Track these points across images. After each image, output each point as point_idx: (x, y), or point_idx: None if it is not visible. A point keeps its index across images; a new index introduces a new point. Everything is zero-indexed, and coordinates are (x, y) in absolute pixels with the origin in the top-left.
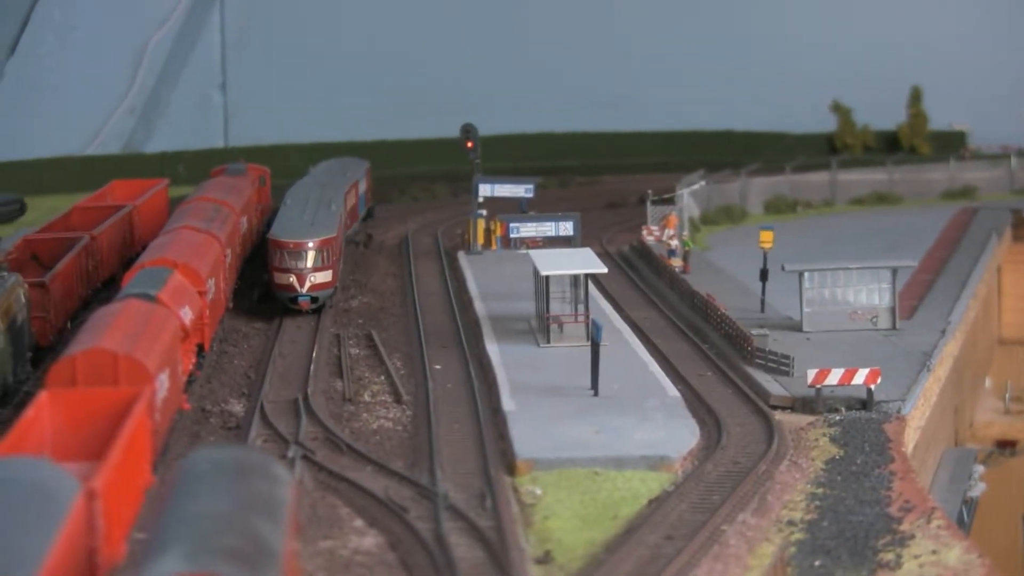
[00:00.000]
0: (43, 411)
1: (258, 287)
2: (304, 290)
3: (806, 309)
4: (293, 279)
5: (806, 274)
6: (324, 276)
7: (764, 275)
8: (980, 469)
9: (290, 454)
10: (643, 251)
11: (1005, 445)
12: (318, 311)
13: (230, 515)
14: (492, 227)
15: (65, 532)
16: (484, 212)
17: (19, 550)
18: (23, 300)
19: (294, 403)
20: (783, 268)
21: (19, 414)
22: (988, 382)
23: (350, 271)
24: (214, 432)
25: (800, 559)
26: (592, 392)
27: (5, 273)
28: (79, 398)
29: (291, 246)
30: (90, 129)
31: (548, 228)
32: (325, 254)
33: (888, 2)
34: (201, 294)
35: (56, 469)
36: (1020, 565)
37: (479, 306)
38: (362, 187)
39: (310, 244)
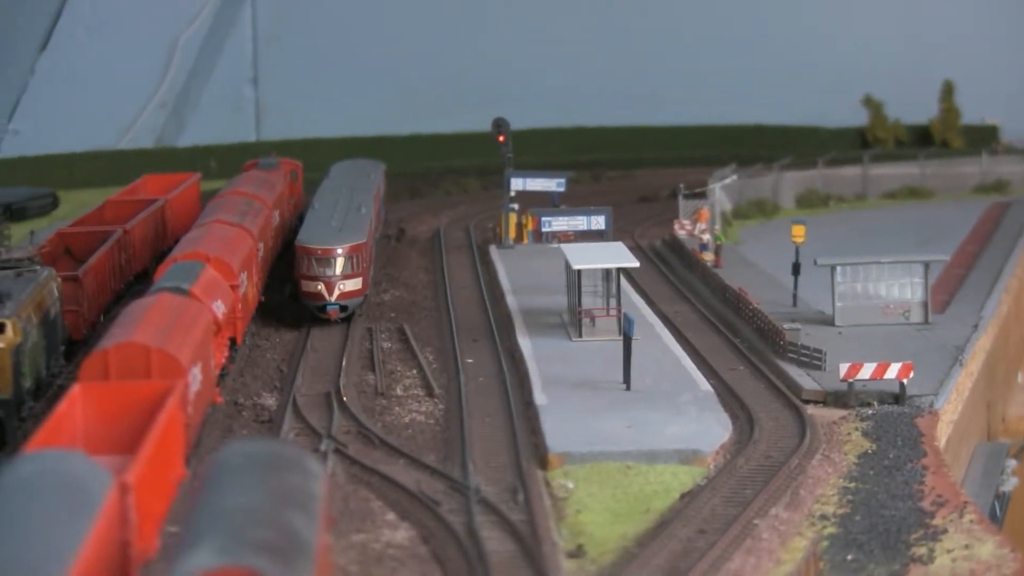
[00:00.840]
0: (76, 404)
1: (290, 282)
2: (333, 299)
3: (838, 303)
4: (321, 287)
5: (838, 268)
6: (354, 284)
7: (796, 269)
8: (1013, 463)
9: (323, 448)
10: (675, 245)
11: None
12: (347, 319)
13: (263, 509)
14: (524, 221)
15: (98, 525)
16: (516, 206)
17: (53, 543)
18: (56, 294)
19: (326, 397)
20: (815, 262)
21: (52, 407)
22: (1021, 376)
23: (382, 265)
24: (247, 426)
25: (832, 553)
26: (624, 386)
27: (38, 267)
28: (112, 391)
29: (319, 252)
30: (122, 123)
31: (580, 222)
32: (355, 261)
33: None
34: (233, 288)
35: (89, 462)
36: None
37: (511, 300)
38: (382, 190)
39: (339, 250)
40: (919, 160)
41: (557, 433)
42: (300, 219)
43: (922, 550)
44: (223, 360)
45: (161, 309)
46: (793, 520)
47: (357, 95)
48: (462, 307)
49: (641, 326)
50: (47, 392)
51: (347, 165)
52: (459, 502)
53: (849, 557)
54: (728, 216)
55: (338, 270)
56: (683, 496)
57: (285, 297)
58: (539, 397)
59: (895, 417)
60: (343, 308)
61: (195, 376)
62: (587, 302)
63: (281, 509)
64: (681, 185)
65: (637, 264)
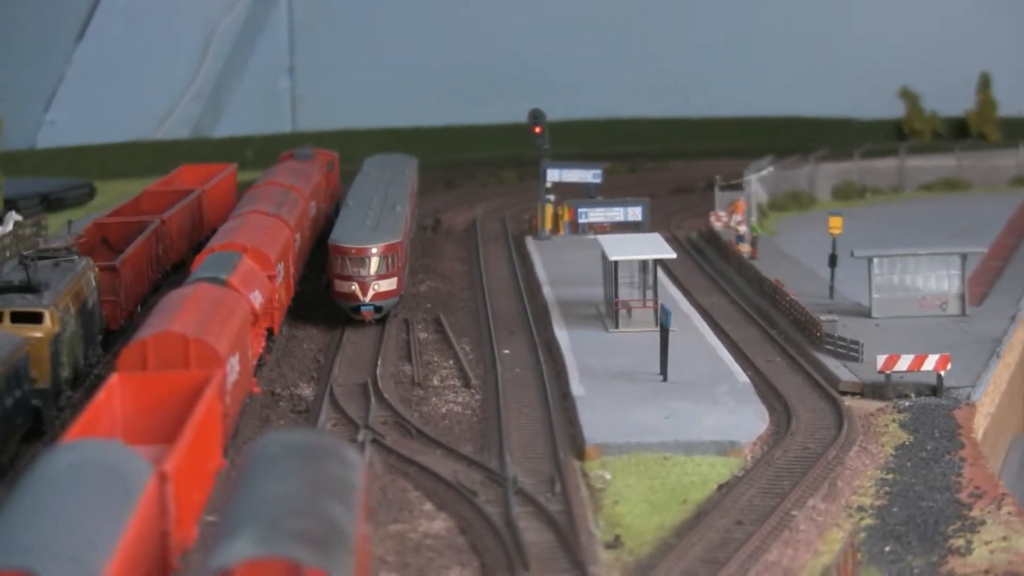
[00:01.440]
0: (114, 394)
1: (326, 273)
2: (367, 299)
3: (875, 295)
4: (355, 287)
5: (875, 260)
6: (388, 284)
7: (833, 261)
8: None
9: (360, 438)
10: (711, 237)
11: None
12: (382, 320)
13: (301, 499)
14: (560, 212)
15: (137, 515)
16: (552, 197)
17: (93, 533)
18: (94, 284)
19: (363, 387)
20: (852, 254)
21: (90, 397)
22: None
23: (419, 256)
24: (284, 416)
25: (870, 544)
26: (661, 377)
27: (76, 257)
28: (150, 381)
29: (353, 252)
30: (158, 114)
31: (617, 213)
32: (390, 260)
33: None
34: (270, 278)
35: (128, 452)
36: None
37: (547, 291)
38: (416, 186)
39: (374, 250)
40: (956, 152)
41: (594, 424)
42: (336, 210)
43: (960, 542)
44: (260, 350)
45: (199, 299)
46: (831, 511)
47: (393, 86)
48: (498, 298)
49: (678, 317)
50: (85, 382)
51: (380, 160)
52: (496, 493)
53: (887, 548)
54: (764, 208)
55: (373, 270)
56: (720, 487)
57: (322, 288)
58: (576, 388)
59: (932, 409)
60: (378, 309)
61: (233, 366)
62: (624, 293)
63: (319, 499)
64: (717, 177)
65: (674, 255)
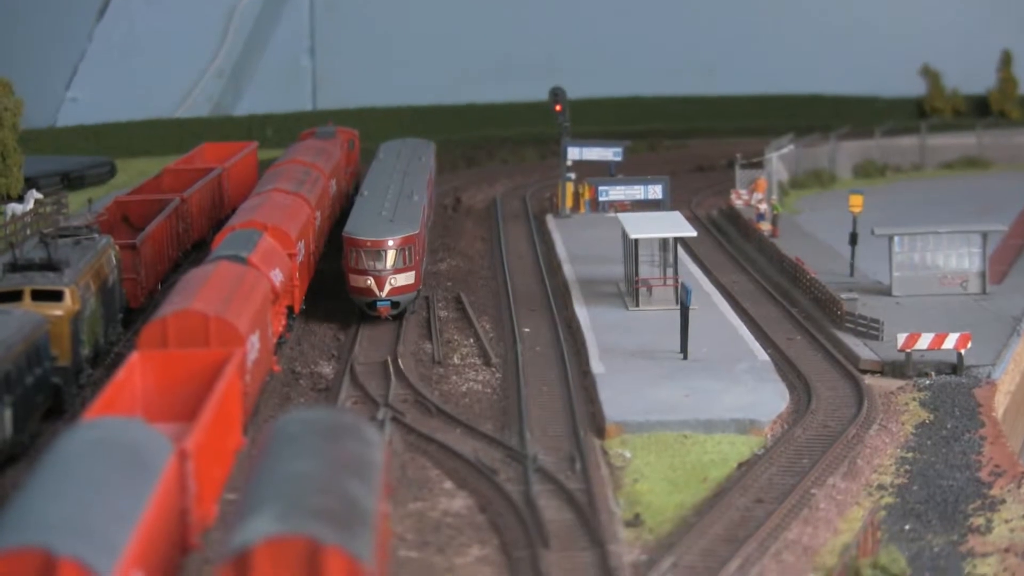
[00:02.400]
0: (135, 372)
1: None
2: (384, 294)
3: (896, 273)
4: (371, 282)
5: (896, 238)
6: (406, 278)
7: (853, 239)
8: None
9: (380, 416)
10: (732, 215)
11: None
12: (399, 317)
13: (322, 476)
14: (581, 190)
15: (158, 493)
16: (573, 175)
17: (114, 510)
18: (114, 262)
19: (383, 365)
20: (873, 232)
21: (111, 375)
22: None
23: (439, 235)
24: (304, 394)
25: (890, 523)
26: (681, 356)
27: (96, 235)
28: (170, 359)
29: (368, 245)
30: (179, 92)
31: (637, 191)
32: (407, 253)
33: None
34: (291, 256)
35: (149, 430)
36: None
37: (568, 269)
38: (434, 173)
39: (390, 243)
40: (977, 130)
41: (614, 402)
42: (356, 189)
43: (980, 520)
44: (281, 329)
45: (220, 277)
46: (851, 490)
47: (413, 64)
48: (519, 276)
49: (698, 296)
50: (105, 360)
51: (397, 145)
52: (516, 471)
53: (907, 527)
54: (785, 186)
55: (389, 264)
56: (740, 466)
57: (342, 267)
58: (596, 366)
59: (953, 387)
60: (394, 305)
61: (253, 344)
62: (644, 271)
63: (340, 477)
64: (738, 155)
65: (695, 233)
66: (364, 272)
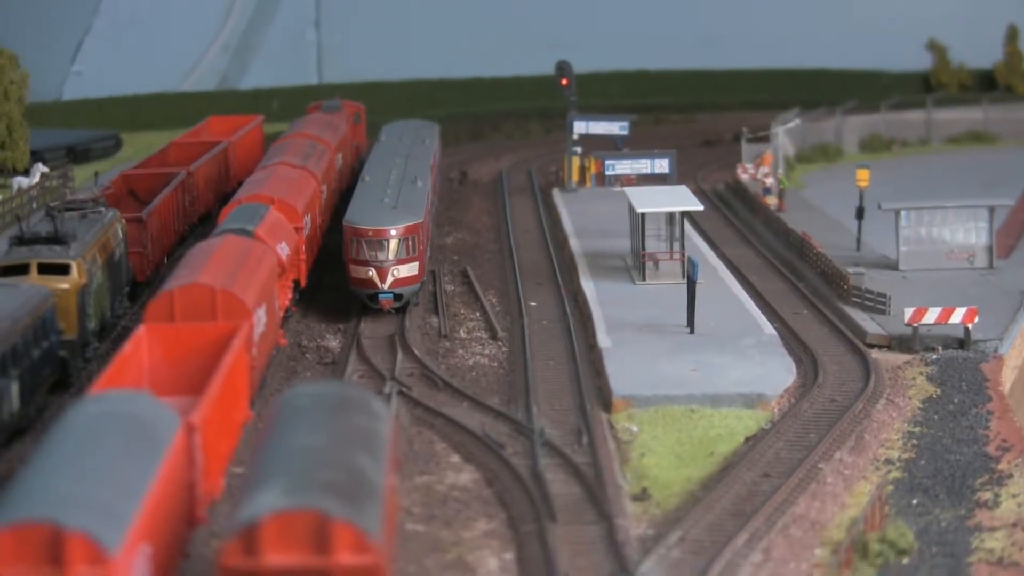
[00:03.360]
0: (141, 346)
1: None
2: (386, 287)
3: (902, 248)
4: (373, 273)
5: (903, 213)
6: (409, 269)
7: (860, 213)
8: None
9: (387, 390)
10: (738, 189)
11: None
12: (402, 309)
13: (329, 450)
14: (587, 164)
15: (165, 467)
16: (579, 149)
17: (122, 483)
18: (121, 235)
19: (390, 339)
20: (879, 206)
21: (117, 348)
22: None
23: (445, 208)
24: (310, 368)
25: (897, 497)
26: (688, 330)
27: (103, 208)
28: (177, 333)
29: (370, 234)
30: (185, 65)
31: (644, 166)
32: (411, 243)
33: None
34: (298, 230)
35: (156, 403)
36: None
37: (574, 243)
38: (438, 156)
39: (393, 232)
40: (983, 105)
41: (621, 376)
42: (361, 164)
43: (987, 495)
44: (287, 302)
45: (226, 251)
46: (858, 464)
47: (419, 38)
48: (525, 250)
49: (705, 270)
50: (112, 333)
51: (399, 127)
52: (523, 445)
53: (914, 502)
54: (791, 160)
55: (391, 254)
56: (747, 440)
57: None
58: (603, 340)
59: (960, 362)
60: (397, 297)
61: (260, 318)
62: (651, 246)
63: (347, 450)
64: (744, 129)
65: (701, 208)
66: (365, 263)
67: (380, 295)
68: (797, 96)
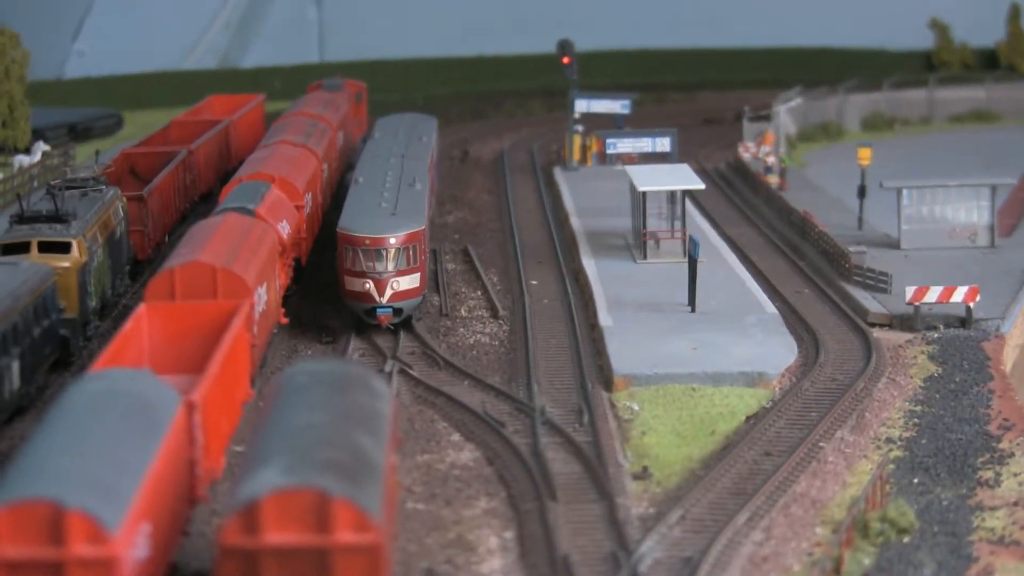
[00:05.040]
0: (142, 324)
1: None
2: (384, 300)
3: (904, 226)
4: (370, 286)
5: (905, 191)
6: (410, 281)
7: (862, 192)
8: None
9: (387, 368)
10: (740, 168)
11: None
12: (402, 324)
13: (330, 429)
14: (588, 143)
15: (166, 445)
16: (581, 128)
17: (122, 461)
18: (122, 214)
19: None
20: (881, 185)
21: (118, 327)
22: None
23: (447, 186)
24: (311, 346)
25: (899, 476)
26: (689, 308)
27: (104, 187)
28: (178, 311)
29: (367, 243)
30: (186, 44)
31: (645, 144)
32: (411, 253)
33: None
34: (299, 208)
35: (157, 381)
36: None
37: (575, 222)
38: (436, 153)
39: (392, 240)
40: (985, 83)
41: (622, 355)
42: (363, 142)
43: (989, 474)
44: (288, 281)
45: (227, 229)
46: (859, 443)
47: (421, 16)
48: (526, 229)
49: (706, 248)
50: (112, 312)
51: (394, 121)
52: (524, 423)
53: (915, 480)
54: (793, 139)
55: (390, 265)
56: (749, 419)
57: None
58: (604, 319)
59: (961, 341)
60: (397, 312)
61: (261, 296)
62: (652, 224)
63: (347, 429)
64: (746, 108)
65: (703, 186)
66: (362, 274)
67: (378, 310)
68: (799, 75)
